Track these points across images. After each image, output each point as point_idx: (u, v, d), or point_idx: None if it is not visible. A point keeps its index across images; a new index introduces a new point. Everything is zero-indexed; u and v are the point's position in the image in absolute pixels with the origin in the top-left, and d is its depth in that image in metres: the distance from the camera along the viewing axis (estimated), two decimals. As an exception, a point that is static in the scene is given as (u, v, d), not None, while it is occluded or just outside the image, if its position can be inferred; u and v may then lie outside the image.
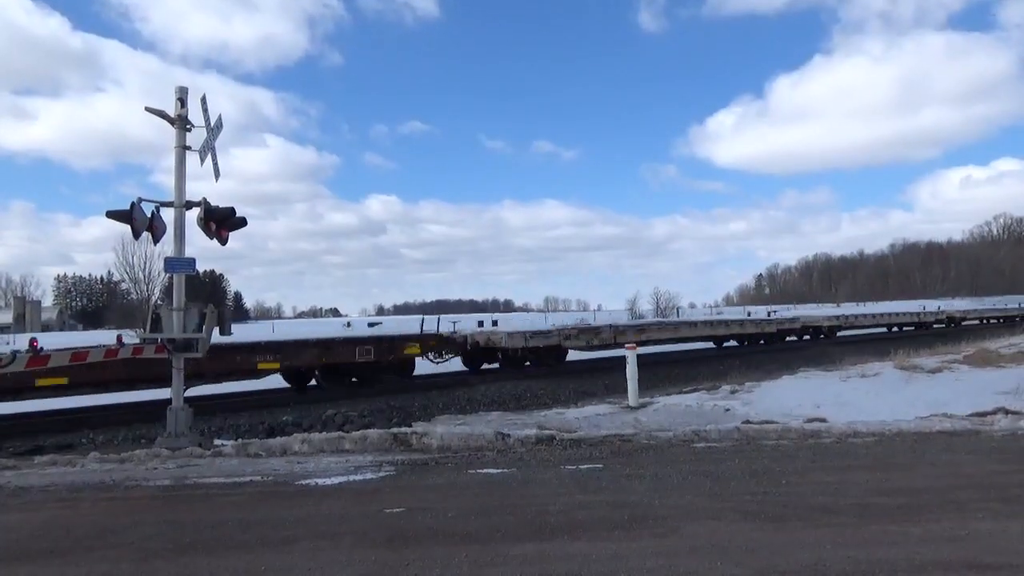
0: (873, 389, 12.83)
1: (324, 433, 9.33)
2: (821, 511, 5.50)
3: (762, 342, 29.78)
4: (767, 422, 9.62)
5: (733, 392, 13.23)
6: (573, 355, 21.18)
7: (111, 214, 9.72)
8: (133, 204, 9.41)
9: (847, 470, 6.96)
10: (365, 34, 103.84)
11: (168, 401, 9.46)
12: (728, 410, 11.16)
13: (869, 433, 8.86)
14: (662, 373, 17.96)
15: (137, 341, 10.84)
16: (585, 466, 7.42)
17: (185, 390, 9.70)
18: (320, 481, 7.06)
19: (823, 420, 9.70)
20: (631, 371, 12.23)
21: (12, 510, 6.23)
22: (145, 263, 40.10)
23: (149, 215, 9.74)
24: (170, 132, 9.68)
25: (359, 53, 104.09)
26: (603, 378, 16.67)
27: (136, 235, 9.58)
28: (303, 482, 7.04)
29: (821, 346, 27.51)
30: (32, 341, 9.94)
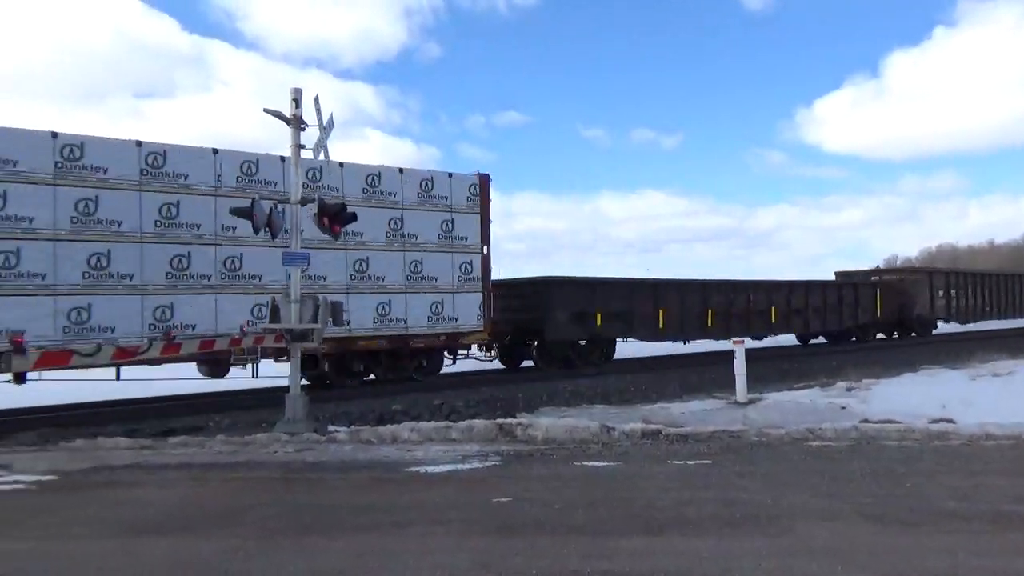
0: (1007, 388, 11.95)
1: (432, 422, 9.55)
2: (951, 516, 5.17)
3: None
4: (887, 421, 9.12)
5: (849, 390, 12.64)
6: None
7: (234, 211, 10.30)
8: (253, 201, 9.93)
9: (979, 474, 6.52)
10: (461, 24, 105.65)
11: (285, 388, 9.94)
12: (844, 408, 10.66)
13: (1004, 436, 8.24)
14: (771, 369, 17.34)
15: (259, 331, 11.43)
16: (693, 462, 7.28)
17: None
18: (429, 469, 7.25)
19: (950, 421, 9.10)
20: (739, 366, 11.87)
21: (150, 486, 6.74)
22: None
23: (267, 211, 10.26)
24: (280, 131, 10.04)
25: (456, 44, 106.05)
26: (709, 372, 16.27)
27: (256, 230, 10.09)
28: (413, 469, 7.25)
29: (947, 343, 25.76)
30: (168, 331, 10.71)
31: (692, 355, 21.30)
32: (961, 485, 6.11)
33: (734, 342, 12.57)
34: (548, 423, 9.11)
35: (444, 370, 16.36)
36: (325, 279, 13.40)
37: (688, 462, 7.27)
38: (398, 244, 14.26)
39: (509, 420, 9.48)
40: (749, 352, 12.40)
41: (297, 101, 10.03)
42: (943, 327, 29.87)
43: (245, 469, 7.44)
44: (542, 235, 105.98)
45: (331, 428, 9.54)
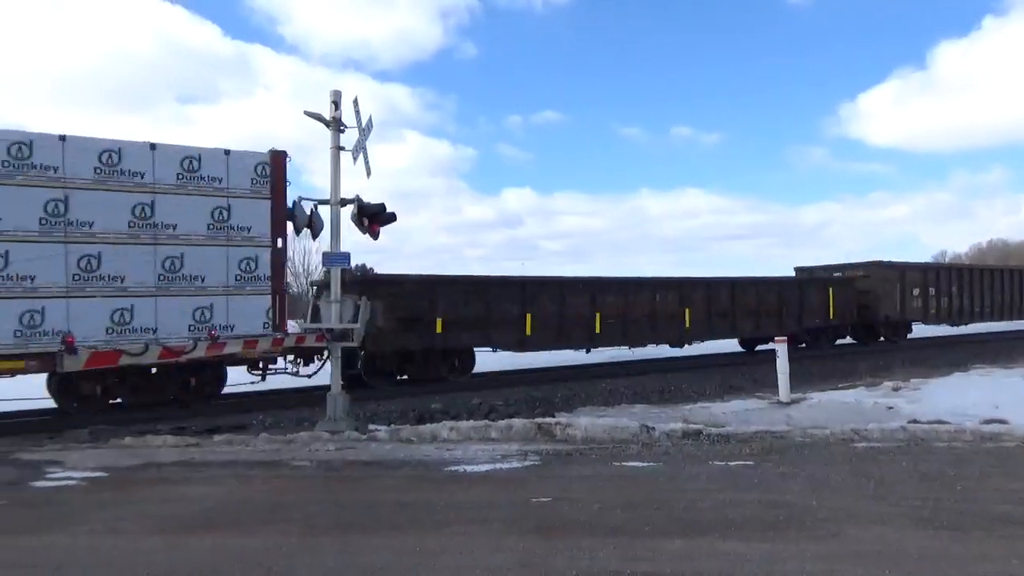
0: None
1: (471, 421, 9.58)
2: (1006, 521, 5.01)
3: None
4: (937, 422, 8.89)
5: (896, 389, 12.35)
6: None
7: (276, 212, 10.46)
8: (294, 203, 10.10)
9: (1035, 478, 6.31)
10: (497, 24, 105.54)
11: (327, 387, 10.07)
12: (891, 408, 10.42)
13: (1061, 438, 7.96)
14: (815, 368, 17.03)
15: (299, 330, 11.62)
16: (735, 463, 7.18)
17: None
18: (468, 468, 7.27)
19: (1003, 422, 8.83)
20: (782, 365, 11.68)
21: (197, 483, 6.88)
22: (304, 257, 42.46)
23: (308, 213, 10.39)
24: (320, 133, 10.15)
25: (492, 43, 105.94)
26: (750, 372, 16.05)
27: (298, 231, 10.26)
28: (452, 468, 7.28)
29: (999, 343, 24.89)
30: (211, 330, 10.93)
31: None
32: (1015, 488, 5.92)
33: (776, 340, 12.38)
34: (587, 422, 9.06)
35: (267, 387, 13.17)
36: (34, 280, 10.20)
37: (730, 463, 7.17)
38: (147, 236, 11.04)
39: (548, 419, 9.45)
40: (790, 352, 12.18)
41: (336, 103, 10.14)
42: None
43: (288, 467, 7.56)
44: (581, 234, 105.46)
45: (371, 427, 9.63)
